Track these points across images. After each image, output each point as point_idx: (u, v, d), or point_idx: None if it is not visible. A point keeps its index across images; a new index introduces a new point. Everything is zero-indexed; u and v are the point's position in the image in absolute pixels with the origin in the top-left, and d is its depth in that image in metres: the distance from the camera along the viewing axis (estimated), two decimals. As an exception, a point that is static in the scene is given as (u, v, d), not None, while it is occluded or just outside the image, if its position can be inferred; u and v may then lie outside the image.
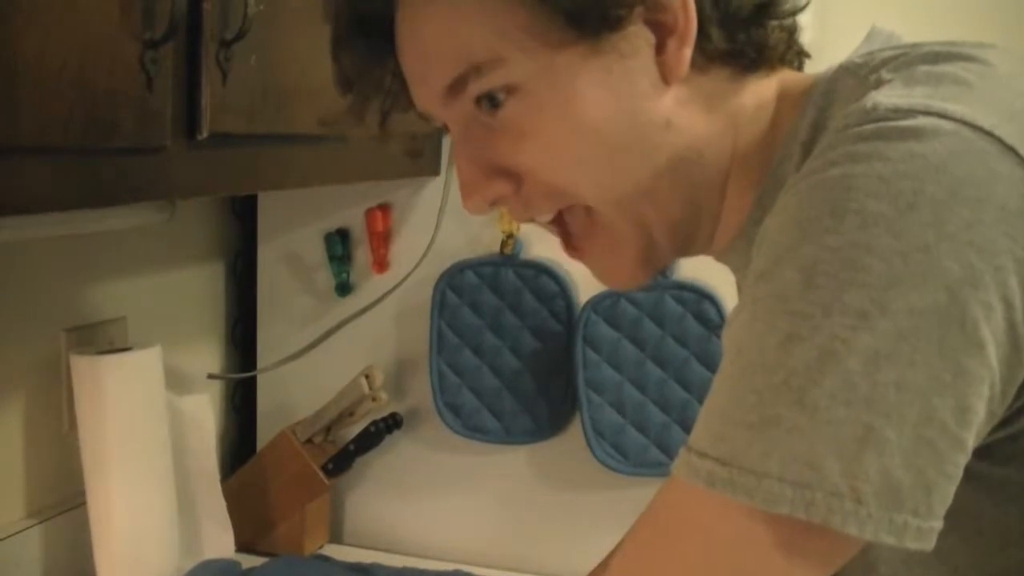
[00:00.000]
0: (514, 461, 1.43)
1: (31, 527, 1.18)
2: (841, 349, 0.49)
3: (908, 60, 0.57)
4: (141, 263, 1.36)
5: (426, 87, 0.65)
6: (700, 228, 0.67)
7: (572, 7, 0.59)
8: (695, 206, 0.66)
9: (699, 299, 1.31)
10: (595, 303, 1.34)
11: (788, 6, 0.65)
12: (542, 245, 1.37)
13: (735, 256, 0.68)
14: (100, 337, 1.26)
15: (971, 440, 0.50)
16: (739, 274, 0.69)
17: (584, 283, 1.37)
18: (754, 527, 0.51)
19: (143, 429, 1.17)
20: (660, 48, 0.62)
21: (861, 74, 0.59)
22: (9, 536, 1.15)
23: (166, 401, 1.21)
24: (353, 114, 0.69)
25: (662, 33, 0.62)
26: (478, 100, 0.63)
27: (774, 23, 0.64)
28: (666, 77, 0.62)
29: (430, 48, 0.63)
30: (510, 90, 0.62)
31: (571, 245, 0.69)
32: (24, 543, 1.17)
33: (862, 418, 0.48)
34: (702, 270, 1.31)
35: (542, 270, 1.37)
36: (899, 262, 0.48)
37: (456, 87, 0.63)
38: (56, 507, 1.22)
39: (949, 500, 0.50)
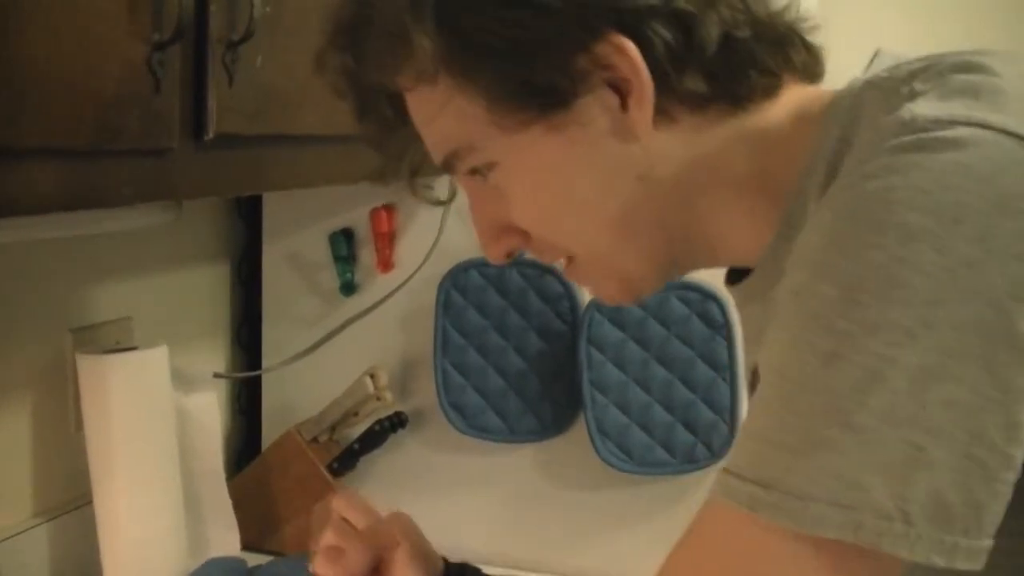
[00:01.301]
0: (519, 461, 1.44)
1: (38, 526, 1.18)
2: (886, 368, 0.48)
3: (939, 71, 0.55)
4: (147, 263, 1.36)
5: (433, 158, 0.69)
6: (690, 258, 0.68)
7: (519, 96, 0.61)
8: (684, 242, 0.66)
9: (704, 299, 1.31)
10: (600, 303, 1.34)
11: (761, 24, 0.62)
12: (546, 245, 1.37)
13: (760, 276, 0.66)
14: (106, 337, 1.26)
15: (1020, 456, 0.49)
16: (760, 297, 0.66)
17: (588, 283, 1.37)
18: (798, 550, 0.49)
19: (149, 429, 1.18)
20: (624, 107, 0.61)
21: (889, 87, 0.57)
22: (16, 535, 1.15)
23: (172, 401, 1.22)
24: (389, 170, 0.75)
25: (624, 92, 0.61)
26: (470, 172, 0.67)
27: (755, 47, 0.62)
28: (632, 135, 0.62)
29: (421, 132, 0.67)
30: (490, 165, 0.65)
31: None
32: (31, 542, 1.17)
33: (910, 438, 0.47)
34: (706, 271, 1.30)
35: (547, 270, 1.37)
36: (945, 278, 0.47)
37: (447, 166, 0.67)
38: (63, 506, 1.22)
39: (999, 518, 0.49)
